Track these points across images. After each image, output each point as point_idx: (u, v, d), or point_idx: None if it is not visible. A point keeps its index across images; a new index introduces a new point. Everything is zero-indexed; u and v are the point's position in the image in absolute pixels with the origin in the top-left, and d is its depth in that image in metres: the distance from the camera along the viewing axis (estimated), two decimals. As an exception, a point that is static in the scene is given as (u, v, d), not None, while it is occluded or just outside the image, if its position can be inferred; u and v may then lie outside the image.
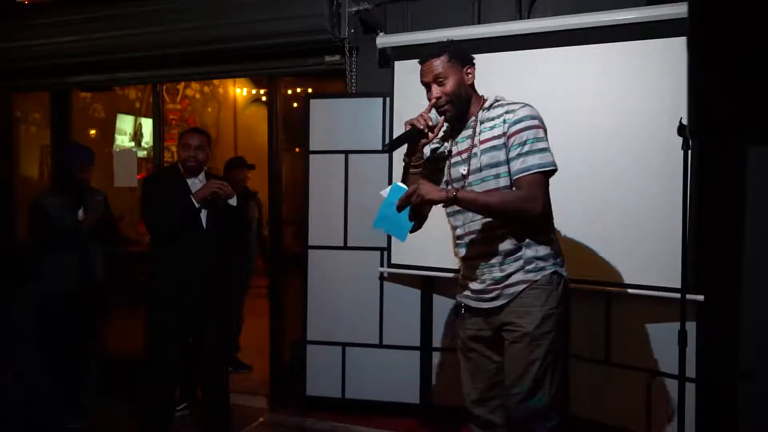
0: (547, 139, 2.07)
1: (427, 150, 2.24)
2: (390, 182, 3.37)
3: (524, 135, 2.03)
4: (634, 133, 2.78)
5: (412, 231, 2.18)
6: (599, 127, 2.84)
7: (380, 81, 3.52)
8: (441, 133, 2.20)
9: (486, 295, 2.14)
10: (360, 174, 3.54)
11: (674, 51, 2.62)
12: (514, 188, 2.06)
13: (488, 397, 2.22)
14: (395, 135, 2.10)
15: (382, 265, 3.49)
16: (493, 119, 2.10)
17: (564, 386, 3.16)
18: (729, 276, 2.63)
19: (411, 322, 3.47)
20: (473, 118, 2.15)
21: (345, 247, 3.56)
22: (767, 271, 2.56)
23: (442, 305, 3.43)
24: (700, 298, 2.66)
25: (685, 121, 2.24)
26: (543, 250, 2.11)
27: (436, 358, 3.43)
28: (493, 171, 2.07)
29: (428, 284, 3.43)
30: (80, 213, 3.45)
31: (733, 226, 2.62)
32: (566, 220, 2.81)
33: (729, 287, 2.62)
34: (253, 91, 7.76)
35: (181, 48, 3.92)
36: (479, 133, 2.11)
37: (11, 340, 3.30)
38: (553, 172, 2.07)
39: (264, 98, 6.37)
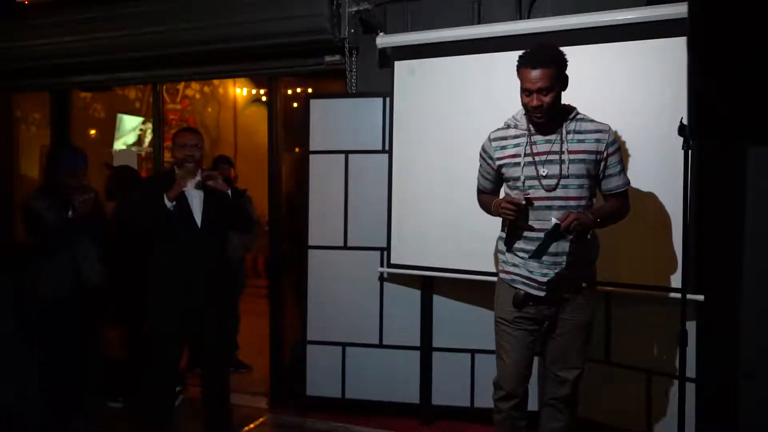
0: None
1: (511, 148, 2.41)
2: (390, 182, 3.37)
3: (618, 156, 2.37)
4: (634, 133, 2.78)
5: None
6: (599, 127, 2.84)
7: (380, 81, 3.52)
8: (521, 132, 2.40)
9: (552, 285, 2.35)
10: (360, 174, 3.54)
11: (674, 51, 2.63)
12: (589, 201, 2.37)
13: (527, 374, 2.46)
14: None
15: (382, 265, 3.49)
16: (582, 133, 2.33)
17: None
18: (729, 276, 2.63)
19: (411, 322, 3.47)
20: (558, 125, 2.34)
21: (345, 247, 3.56)
22: (767, 271, 2.56)
23: (442, 305, 3.43)
24: (700, 298, 2.66)
25: (685, 121, 2.24)
26: (596, 250, 2.43)
27: (436, 358, 3.43)
28: (578, 181, 2.31)
29: (428, 284, 3.42)
30: (70, 214, 3.41)
31: (733, 226, 2.62)
32: (566, 220, 2.81)
33: (729, 287, 2.62)
34: (253, 91, 7.76)
35: (181, 48, 3.92)
36: (566, 142, 2.32)
37: (11, 343, 3.27)
38: None
39: (264, 98, 6.37)
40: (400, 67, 3.33)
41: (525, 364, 2.45)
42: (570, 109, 2.37)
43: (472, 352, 3.37)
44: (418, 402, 3.45)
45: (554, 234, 2.21)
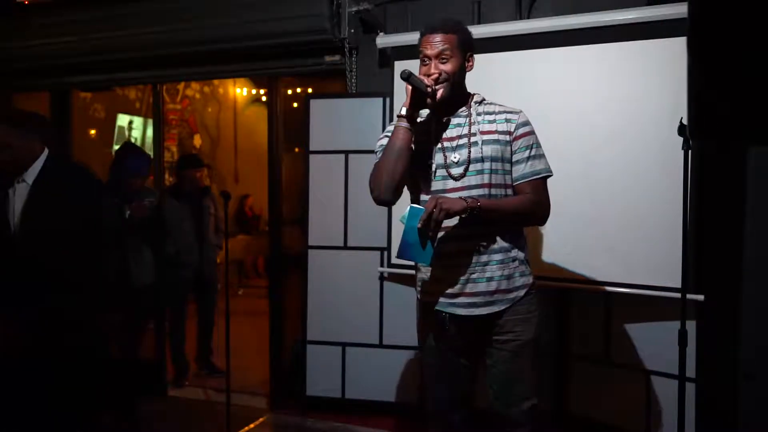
0: None
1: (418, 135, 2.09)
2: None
3: (530, 139, 2.05)
4: (634, 133, 2.78)
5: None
6: (599, 127, 2.84)
7: (380, 81, 3.52)
8: (427, 118, 2.11)
9: (479, 299, 2.01)
10: (360, 174, 3.54)
11: (674, 51, 2.62)
12: (514, 191, 2.05)
13: (460, 404, 2.17)
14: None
15: (382, 265, 3.49)
16: (492, 114, 2.06)
17: (563, 386, 3.16)
18: (729, 276, 2.63)
19: (411, 322, 3.44)
20: (464, 109, 2.09)
21: (345, 247, 3.56)
22: (767, 271, 2.56)
23: (442, 305, 3.42)
24: (700, 298, 2.66)
25: (685, 121, 2.24)
26: (525, 252, 2.10)
27: (436, 358, 3.43)
28: (495, 165, 2.01)
29: (428, 284, 3.42)
30: (127, 213, 3.42)
31: (733, 226, 2.62)
32: (566, 220, 2.81)
33: (729, 287, 2.63)
34: (253, 91, 7.77)
35: (181, 48, 3.92)
36: (477, 124, 2.04)
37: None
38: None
39: (264, 98, 6.38)
40: (400, 67, 3.32)
41: (459, 395, 2.16)
42: (476, 95, 2.13)
43: (472, 352, 3.37)
44: (418, 402, 3.45)
45: (413, 220, 1.86)
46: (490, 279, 2.01)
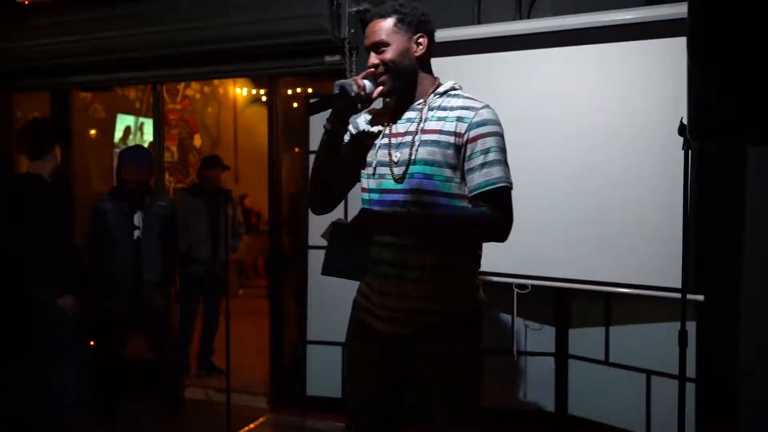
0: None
1: (362, 124, 1.94)
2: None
3: (486, 142, 1.70)
4: (634, 133, 2.78)
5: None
6: (599, 127, 2.84)
7: (380, 81, 3.52)
8: (377, 106, 1.91)
9: (400, 316, 1.75)
10: (360, 174, 3.53)
11: (674, 51, 2.62)
12: (470, 204, 1.74)
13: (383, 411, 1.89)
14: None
15: (382, 265, 3.48)
16: (445, 110, 1.77)
17: (563, 386, 3.16)
18: (729, 276, 2.63)
19: (411, 322, 3.46)
20: (421, 100, 1.82)
21: (345, 247, 3.56)
22: (767, 271, 2.56)
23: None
24: (700, 298, 2.66)
25: (685, 121, 2.24)
26: (475, 263, 1.82)
27: (436, 358, 3.43)
28: (428, 170, 1.73)
29: (428, 284, 3.42)
30: (136, 218, 3.44)
31: (733, 226, 2.62)
32: (566, 221, 2.81)
33: (729, 287, 2.63)
34: (253, 91, 7.78)
35: (181, 48, 3.92)
36: (424, 120, 1.77)
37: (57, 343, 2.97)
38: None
39: (264, 98, 6.38)
40: (400, 67, 3.33)
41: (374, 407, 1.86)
42: (443, 85, 1.86)
43: (472, 352, 3.37)
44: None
45: (339, 239, 1.65)
46: (408, 297, 1.73)
